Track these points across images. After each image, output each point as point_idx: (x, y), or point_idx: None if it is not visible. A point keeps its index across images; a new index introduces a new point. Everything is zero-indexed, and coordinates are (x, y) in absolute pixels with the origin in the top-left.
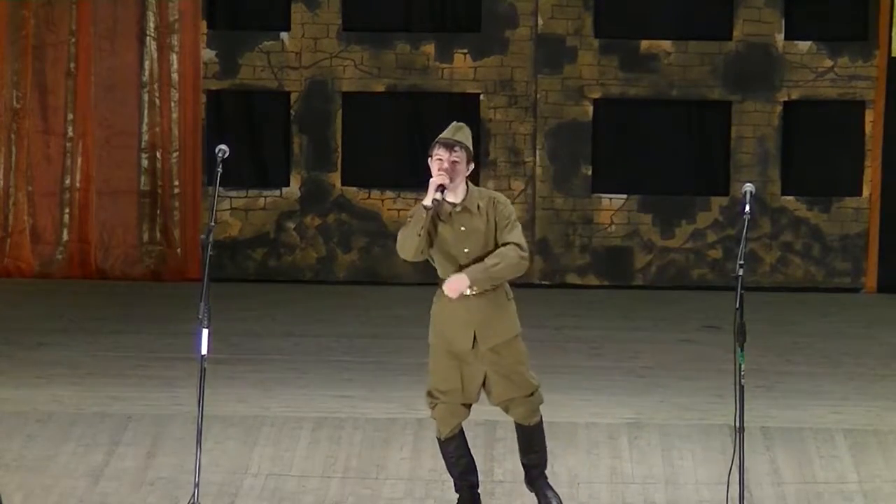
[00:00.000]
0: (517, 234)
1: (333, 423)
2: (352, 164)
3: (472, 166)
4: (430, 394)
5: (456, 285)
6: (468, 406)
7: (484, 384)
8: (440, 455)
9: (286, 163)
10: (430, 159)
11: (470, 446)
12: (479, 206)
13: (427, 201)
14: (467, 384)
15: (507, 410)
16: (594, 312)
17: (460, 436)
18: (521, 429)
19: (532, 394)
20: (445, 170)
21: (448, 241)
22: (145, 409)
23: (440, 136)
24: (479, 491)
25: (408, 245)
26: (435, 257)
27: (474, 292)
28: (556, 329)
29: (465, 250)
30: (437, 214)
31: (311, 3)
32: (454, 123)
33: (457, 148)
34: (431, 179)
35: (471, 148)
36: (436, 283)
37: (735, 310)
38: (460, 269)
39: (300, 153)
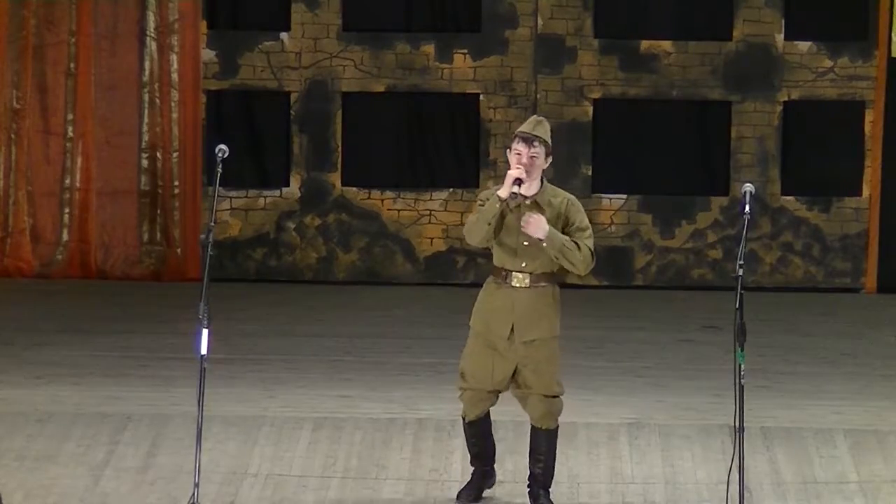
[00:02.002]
0: (591, 242)
1: (333, 423)
2: (352, 164)
3: (549, 160)
4: (462, 376)
5: (536, 226)
6: (496, 393)
7: (514, 375)
8: (439, 455)
9: (286, 163)
10: (508, 151)
11: None
12: (550, 203)
13: (503, 192)
14: (497, 372)
15: (524, 405)
16: (594, 312)
17: (484, 421)
18: (534, 433)
19: (555, 396)
20: (524, 164)
21: (511, 231)
22: (145, 409)
23: (520, 129)
24: (492, 481)
25: (475, 231)
26: (494, 245)
27: (529, 276)
28: None
29: (525, 243)
30: (507, 205)
31: (311, 3)
32: (534, 117)
33: (536, 143)
34: (509, 172)
35: (549, 142)
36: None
37: (735, 310)
38: (516, 258)
39: (300, 153)
